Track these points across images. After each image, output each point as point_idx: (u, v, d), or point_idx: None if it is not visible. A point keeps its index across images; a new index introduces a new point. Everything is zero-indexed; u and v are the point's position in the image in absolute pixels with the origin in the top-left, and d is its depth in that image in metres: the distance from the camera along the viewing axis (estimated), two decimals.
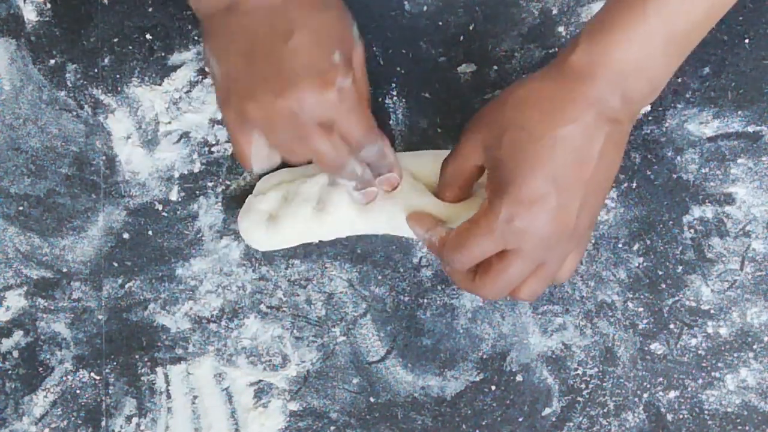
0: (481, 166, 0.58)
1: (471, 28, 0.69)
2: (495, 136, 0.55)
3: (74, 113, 0.70)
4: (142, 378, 0.69)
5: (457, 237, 0.57)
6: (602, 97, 0.53)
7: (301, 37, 0.54)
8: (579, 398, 0.67)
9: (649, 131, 0.68)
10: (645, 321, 0.67)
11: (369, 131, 0.58)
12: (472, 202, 0.62)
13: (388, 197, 0.63)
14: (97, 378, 0.69)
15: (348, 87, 0.56)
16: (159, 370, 0.69)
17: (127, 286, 0.69)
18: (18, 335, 0.69)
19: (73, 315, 0.69)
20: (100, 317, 0.69)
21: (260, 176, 0.69)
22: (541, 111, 0.54)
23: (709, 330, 0.67)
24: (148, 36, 0.70)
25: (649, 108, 0.68)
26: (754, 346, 0.66)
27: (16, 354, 0.69)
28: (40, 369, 0.69)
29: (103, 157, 0.70)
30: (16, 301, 0.69)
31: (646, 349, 0.67)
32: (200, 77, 0.70)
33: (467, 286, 0.59)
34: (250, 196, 0.66)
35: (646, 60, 0.53)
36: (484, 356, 0.68)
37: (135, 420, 0.69)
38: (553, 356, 0.67)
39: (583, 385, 0.67)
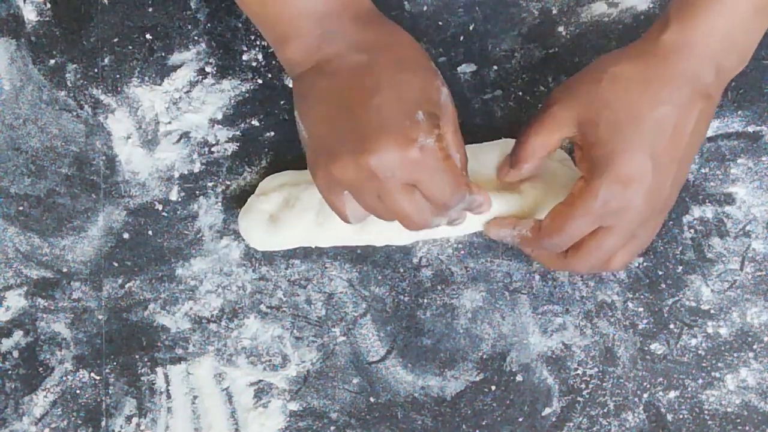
0: (562, 140, 0.59)
1: (471, 28, 0.69)
2: (592, 115, 0.56)
3: (74, 113, 0.70)
4: (142, 378, 0.69)
5: (553, 221, 0.58)
6: (697, 74, 0.54)
7: (384, 95, 0.53)
8: (579, 398, 0.67)
9: None
10: (645, 321, 0.67)
11: (455, 192, 0.55)
12: (519, 197, 0.63)
13: None
14: (97, 378, 0.69)
15: (431, 146, 0.53)
16: (159, 370, 0.69)
17: (127, 286, 0.69)
18: (18, 335, 0.69)
19: (73, 315, 0.69)
20: (100, 317, 0.69)
21: (263, 176, 0.69)
22: (639, 91, 0.55)
23: (709, 330, 0.67)
24: (148, 36, 0.70)
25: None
26: (754, 346, 0.66)
27: (16, 354, 0.69)
28: (40, 369, 0.69)
29: (103, 157, 0.70)
30: (16, 301, 0.69)
31: (646, 349, 0.67)
32: (200, 77, 0.70)
33: (558, 264, 0.60)
34: (252, 195, 0.66)
35: (736, 30, 0.54)
36: (484, 356, 0.68)
37: (135, 420, 0.69)
38: (553, 356, 0.67)
39: (583, 385, 0.67)
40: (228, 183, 0.69)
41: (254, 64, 0.69)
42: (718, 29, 0.54)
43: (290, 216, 0.64)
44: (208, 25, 0.70)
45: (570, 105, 0.57)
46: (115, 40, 0.70)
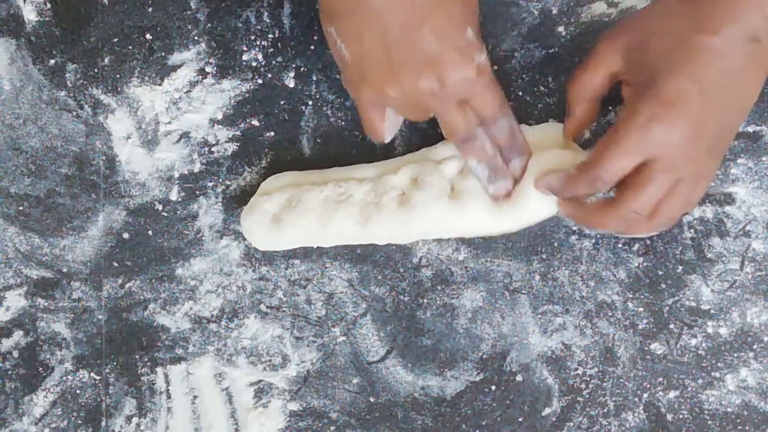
0: (612, 77, 0.59)
1: None
2: (640, 41, 0.56)
3: (74, 113, 0.70)
4: (142, 378, 0.69)
5: (597, 153, 0.57)
6: (744, 13, 0.54)
7: (437, 18, 0.55)
8: (579, 398, 0.67)
9: None
10: (645, 321, 0.67)
11: (502, 105, 0.60)
12: (570, 155, 0.62)
13: (389, 205, 0.63)
14: (97, 378, 0.69)
15: (484, 62, 0.57)
16: (159, 370, 0.69)
17: (127, 286, 0.69)
18: (18, 335, 0.69)
19: (73, 315, 0.69)
20: (100, 317, 0.69)
21: (263, 176, 0.69)
22: (685, 19, 0.55)
23: (709, 330, 0.67)
24: (148, 36, 0.70)
25: None
26: (754, 346, 0.66)
27: (16, 354, 0.69)
28: (40, 369, 0.69)
29: (103, 157, 0.70)
30: (16, 301, 0.69)
31: (646, 349, 0.67)
32: (200, 77, 0.70)
33: (599, 218, 0.59)
34: (255, 195, 0.66)
35: None
36: (484, 356, 0.68)
37: (135, 420, 0.69)
38: (553, 356, 0.67)
39: (583, 385, 0.67)
40: (228, 183, 0.69)
41: (254, 64, 0.69)
42: None
43: (293, 216, 0.64)
44: (208, 25, 0.70)
45: (616, 38, 0.58)
46: (115, 40, 0.70)
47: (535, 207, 0.62)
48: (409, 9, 0.55)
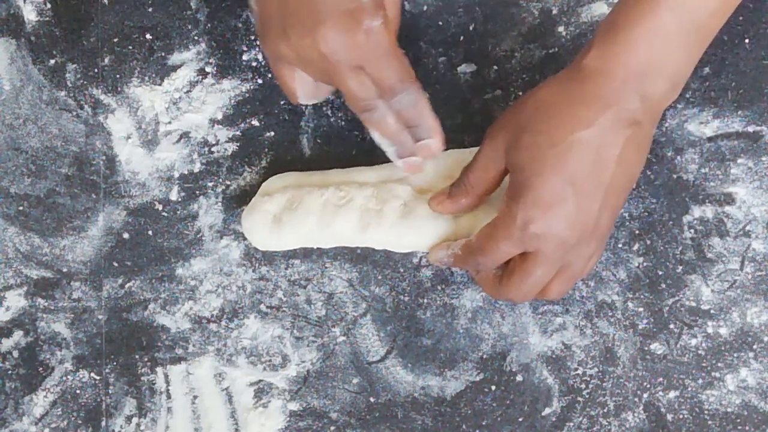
0: (503, 172, 0.57)
1: (471, 28, 0.69)
2: (514, 139, 0.55)
3: (74, 113, 0.70)
4: (142, 378, 0.69)
5: (478, 240, 0.57)
6: (620, 99, 0.52)
7: None
8: (579, 398, 0.67)
9: None
10: (645, 321, 0.67)
11: (402, 77, 0.56)
12: (483, 210, 0.62)
13: (389, 215, 0.63)
14: (97, 378, 0.69)
15: (377, 28, 0.54)
16: (159, 370, 0.69)
17: (127, 286, 0.69)
18: (18, 335, 0.69)
19: (73, 315, 0.69)
20: (100, 317, 0.69)
21: (263, 176, 0.69)
22: (559, 114, 0.53)
23: (709, 330, 0.67)
24: (148, 36, 0.70)
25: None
26: (754, 346, 0.66)
27: (16, 354, 0.69)
28: (40, 369, 0.69)
29: (103, 157, 0.70)
30: (16, 301, 0.69)
31: (646, 349, 0.67)
32: (200, 77, 0.70)
33: (495, 291, 0.59)
34: (256, 195, 0.66)
35: (663, 56, 0.52)
36: (484, 356, 0.68)
37: (135, 420, 0.69)
38: (553, 356, 0.67)
39: (583, 385, 0.67)
40: (228, 183, 0.69)
41: (254, 64, 0.69)
42: (643, 54, 0.52)
43: (293, 217, 0.64)
44: (208, 25, 0.70)
45: (498, 134, 0.56)
46: (115, 40, 0.70)
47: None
48: None
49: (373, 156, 0.68)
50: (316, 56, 0.55)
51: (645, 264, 0.67)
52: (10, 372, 0.69)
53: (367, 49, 0.54)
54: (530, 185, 0.53)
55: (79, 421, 0.69)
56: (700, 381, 0.67)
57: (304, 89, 0.60)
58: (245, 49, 0.70)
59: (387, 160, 0.67)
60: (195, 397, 0.69)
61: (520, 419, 0.67)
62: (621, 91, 0.52)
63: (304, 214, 0.64)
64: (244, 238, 0.68)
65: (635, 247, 0.67)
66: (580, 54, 0.55)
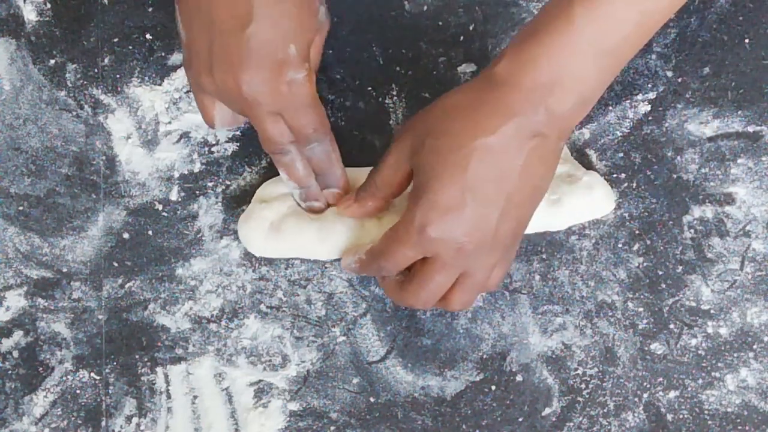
0: (409, 174, 0.57)
1: (471, 28, 0.69)
2: (419, 142, 0.55)
3: (74, 113, 0.70)
4: (142, 378, 0.69)
5: (380, 244, 0.58)
6: (525, 110, 0.52)
7: (258, 26, 0.54)
8: (579, 398, 0.67)
9: (649, 131, 0.68)
10: (645, 321, 0.67)
11: (318, 128, 0.59)
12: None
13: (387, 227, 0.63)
14: (97, 378, 0.69)
15: (300, 80, 0.56)
16: (159, 370, 0.69)
17: (127, 286, 0.69)
18: (18, 335, 0.69)
19: (73, 315, 0.69)
20: (100, 317, 0.69)
21: (263, 176, 0.69)
22: (463, 120, 0.53)
23: (709, 330, 0.67)
24: (148, 36, 0.70)
25: (649, 108, 0.68)
26: (754, 346, 0.66)
27: (16, 354, 0.69)
28: (40, 369, 0.69)
29: (103, 157, 0.70)
30: (16, 301, 0.69)
31: (646, 349, 0.67)
32: None
33: (397, 296, 0.59)
34: (253, 201, 0.66)
35: (574, 73, 0.52)
36: (484, 356, 0.68)
37: (135, 420, 0.69)
38: (553, 356, 0.67)
39: (583, 385, 0.67)
40: (228, 183, 0.69)
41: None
42: (553, 69, 0.51)
43: (292, 226, 0.64)
44: None
45: (405, 137, 0.56)
46: (115, 40, 0.70)
47: None
48: (238, 10, 0.55)
49: (374, 156, 0.68)
50: (236, 96, 0.56)
51: (645, 264, 0.67)
52: (10, 372, 0.69)
53: (288, 99, 0.56)
54: (429, 188, 0.53)
55: (79, 421, 0.69)
56: (700, 381, 0.67)
57: (222, 118, 0.62)
58: None
59: None
60: (195, 397, 0.68)
61: (520, 419, 0.67)
62: (526, 102, 0.52)
63: (303, 223, 0.64)
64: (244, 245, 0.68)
65: (635, 247, 0.67)
66: (493, 61, 0.54)
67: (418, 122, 0.56)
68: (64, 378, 0.69)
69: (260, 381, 0.68)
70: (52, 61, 0.70)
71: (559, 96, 0.52)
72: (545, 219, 0.64)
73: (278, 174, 0.67)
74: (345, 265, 0.63)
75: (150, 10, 0.70)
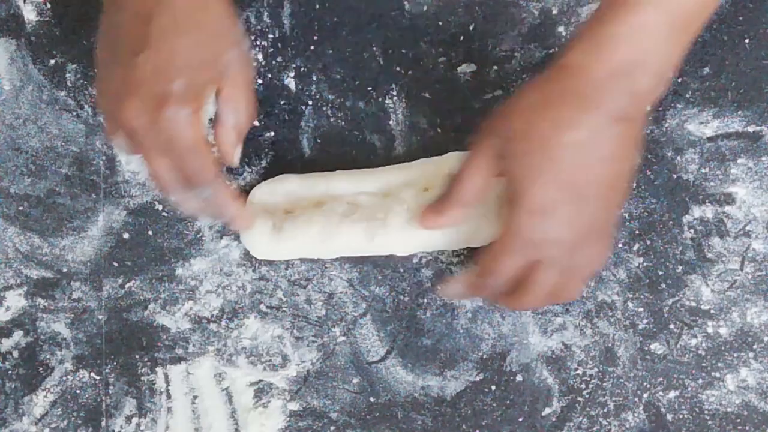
0: (492, 180, 0.57)
1: (471, 28, 0.69)
2: (504, 148, 0.54)
3: (74, 113, 0.70)
4: (142, 378, 0.69)
5: (485, 261, 0.57)
6: (607, 96, 0.52)
7: (150, 54, 0.52)
8: (579, 398, 0.67)
9: (649, 131, 0.68)
10: (645, 321, 0.67)
11: (200, 173, 0.55)
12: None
13: (395, 221, 0.63)
14: (97, 378, 0.69)
15: (182, 119, 0.53)
16: (159, 370, 0.69)
17: (127, 286, 0.69)
18: (18, 335, 0.69)
19: (73, 315, 0.69)
20: (100, 317, 0.69)
21: (263, 176, 0.69)
22: (546, 118, 0.53)
23: (709, 330, 0.67)
24: None
25: (649, 107, 0.68)
26: (754, 346, 0.66)
27: (16, 354, 0.69)
28: (40, 369, 0.69)
29: (103, 157, 0.70)
30: (16, 301, 0.69)
31: (646, 349, 0.67)
32: None
33: (509, 304, 0.59)
34: (248, 203, 0.66)
35: (648, 51, 0.52)
36: (484, 356, 0.68)
37: (135, 420, 0.69)
38: (553, 356, 0.67)
39: (583, 385, 0.67)
40: (228, 183, 0.69)
41: (254, 64, 0.69)
42: (627, 51, 0.51)
43: (294, 228, 0.64)
44: None
45: (487, 145, 0.55)
46: None
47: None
48: (132, 36, 0.53)
49: (373, 156, 0.68)
50: (118, 123, 0.54)
51: (645, 264, 0.67)
52: (10, 372, 0.69)
53: (169, 138, 0.53)
54: (525, 193, 0.53)
55: (79, 421, 0.69)
56: (700, 381, 0.67)
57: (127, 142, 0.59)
58: None
59: (385, 163, 0.68)
60: (195, 397, 0.68)
61: (520, 419, 0.67)
62: (607, 88, 0.52)
63: (306, 225, 0.64)
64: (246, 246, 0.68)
65: (635, 247, 0.67)
66: (558, 54, 0.54)
67: (498, 126, 0.55)
68: (64, 378, 0.69)
69: (260, 381, 0.68)
70: (52, 61, 0.70)
71: (639, 77, 0.52)
72: None
73: (280, 172, 0.68)
74: (449, 295, 0.62)
75: None
